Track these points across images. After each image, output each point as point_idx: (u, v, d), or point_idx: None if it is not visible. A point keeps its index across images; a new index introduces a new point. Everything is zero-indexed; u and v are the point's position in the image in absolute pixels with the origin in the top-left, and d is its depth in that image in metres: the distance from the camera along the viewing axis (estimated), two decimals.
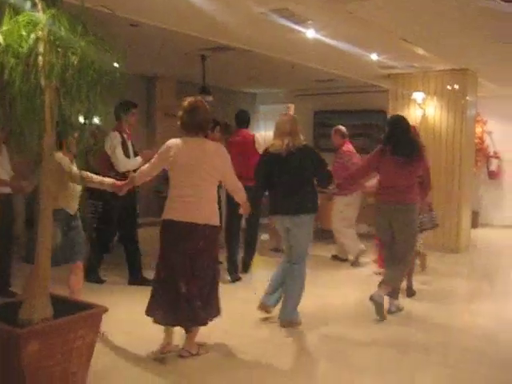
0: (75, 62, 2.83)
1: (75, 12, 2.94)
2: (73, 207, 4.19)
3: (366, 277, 6.40)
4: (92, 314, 3.28)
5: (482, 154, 10.84)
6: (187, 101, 3.99)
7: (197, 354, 3.96)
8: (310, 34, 5.84)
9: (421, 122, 8.51)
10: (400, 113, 8.68)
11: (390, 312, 5.00)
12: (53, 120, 2.95)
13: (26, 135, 2.96)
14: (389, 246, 5.03)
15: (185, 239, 3.80)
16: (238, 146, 6.40)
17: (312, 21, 5.44)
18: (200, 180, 3.84)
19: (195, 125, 3.94)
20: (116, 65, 3.05)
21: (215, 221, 3.92)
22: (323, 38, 6.06)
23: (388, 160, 4.95)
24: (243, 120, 6.80)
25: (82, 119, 3.05)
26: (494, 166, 11.00)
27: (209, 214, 3.87)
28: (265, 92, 12.69)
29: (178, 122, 4.02)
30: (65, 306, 3.23)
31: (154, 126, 10.53)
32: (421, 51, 6.84)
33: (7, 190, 4.92)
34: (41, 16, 2.84)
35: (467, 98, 8.27)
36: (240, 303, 5.25)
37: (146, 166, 4.12)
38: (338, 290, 6.03)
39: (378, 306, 4.79)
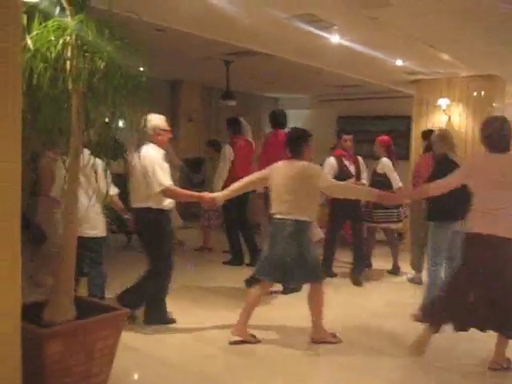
0: (102, 67, 2.87)
1: (103, 17, 2.99)
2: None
3: None
4: (114, 316, 3.31)
5: None
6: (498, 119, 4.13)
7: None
8: (335, 39, 5.83)
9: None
10: (424, 119, 8.68)
11: None
12: (79, 123, 2.99)
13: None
14: None
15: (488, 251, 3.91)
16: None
17: (337, 26, 5.44)
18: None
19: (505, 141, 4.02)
20: (141, 69, 3.09)
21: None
22: (348, 44, 6.05)
23: None
24: (278, 120, 6.55)
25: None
26: None
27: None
28: (288, 97, 12.69)
29: (483, 140, 4.07)
30: (88, 308, 3.26)
31: (177, 131, 10.57)
32: (446, 57, 6.77)
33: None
34: (69, 21, 2.89)
35: (494, 104, 8.15)
36: None
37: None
38: None
39: None
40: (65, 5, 2.94)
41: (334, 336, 4.49)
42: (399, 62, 7.09)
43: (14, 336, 2.55)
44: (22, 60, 2.70)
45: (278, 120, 6.49)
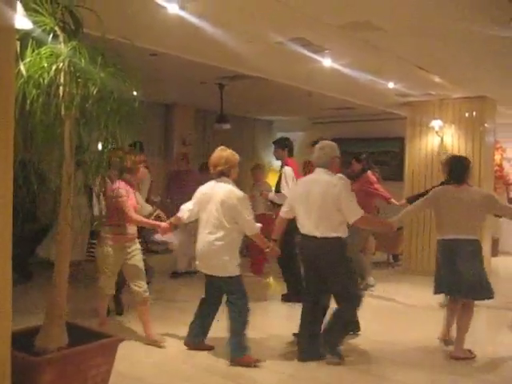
0: (95, 93, 2.89)
1: (96, 43, 3.01)
2: None
3: None
4: (107, 344, 3.27)
5: (502, 181, 10.72)
6: None
7: None
8: (327, 62, 5.89)
9: (439, 150, 8.50)
10: (417, 140, 8.74)
11: None
12: (72, 149, 2.99)
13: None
14: None
15: None
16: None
17: (329, 50, 5.50)
18: None
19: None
20: (135, 93, 3.10)
21: None
22: (340, 67, 6.10)
23: None
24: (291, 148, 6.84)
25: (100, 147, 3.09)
26: None
27: None
28: (282, 119, 12.76)
29: None
30: (80, 334, 3.22)
31: (171, 155, 10.58)
32: (437, 79, 6.84)
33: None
34: (62, 48, 2.91)
35: (485, 125, 8.22)
36: None
37: None
38: None
39: None
40: (58, 32, 2.96)
41: (471, 352, 4.69)
42: (391, 85, 7.16)
43: (4, 365, 2.50)
44: (15, 86, 2.71)
45: (292, 147, 6.79)
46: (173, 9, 4.25)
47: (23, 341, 3.03)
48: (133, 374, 4.04)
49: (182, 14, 4.36)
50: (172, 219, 4.75)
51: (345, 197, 4.27)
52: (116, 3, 4.11)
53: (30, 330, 3.19)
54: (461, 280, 4.51)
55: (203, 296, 4.67)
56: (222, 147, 4.58)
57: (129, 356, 4.21)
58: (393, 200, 7.20)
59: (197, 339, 4.63)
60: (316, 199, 4.33)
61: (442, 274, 4.69)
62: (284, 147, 6.70)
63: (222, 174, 4.44)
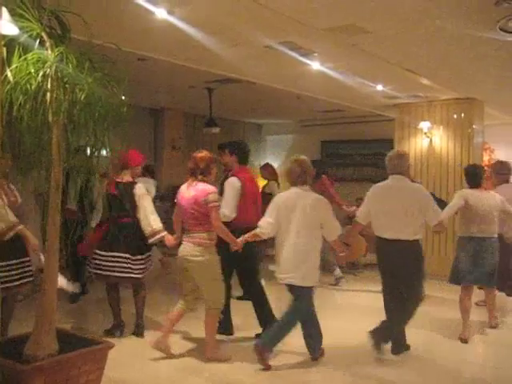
0: (82, 98, 2.87)
1: (83, 48, 3.00)
2: None
3: None
4: (97, 350, 3.25)
5: (490, 182, 10.76)
6: None
7: None
8: (315, 66, 5.91)
9: (427, 151, 8.55)
10: (406, 142, 8.78)
11: None
12: (60, 155, 2.98)
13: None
14: None
15: None
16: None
17: (317, 53, 5.51)
18: None
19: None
20: (123, 98, 3.09)
21: None
22: (328, 70, 6.13)
23: None
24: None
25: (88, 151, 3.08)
26: None
27: None
28: (271, 122, 12.79)
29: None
30: (70, 341, 3.20)
31: (161, 159, 10.57)
32: (425, 81, 6.88)
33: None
34: (49, 54, 2.90)
35: (474, 126, 8.28)
36: None
37: None
38: None
39: None
40: (44, 38, 2.95)
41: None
42: (380, 87, 7.19)
43: None
44: (2, 92, 2.70)
45: (245, 153, 5.44)
46: (161, 14, 4.25)
47: (13, 348, 3.02)
48: (124, 380, 4.02)
49: (170, 18, 4.36)
50: (247, 236, 4.51)
51: (429, 201, 4.66)
52: (103, 8, 4.10)
53: (19, 338, 3.16)
54: (487, 270, 5.17)
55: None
56: (295, 158, 4.57)
57: (120, 361, 4.20)
58: (344, 207, 7.33)
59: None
60: (402, 204, 4.59)
61: (462, 267, 5.17)
62: (232, 152, 5.33)
63: (303, 183, 4.47)
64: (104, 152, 3.15)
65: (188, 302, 4.54)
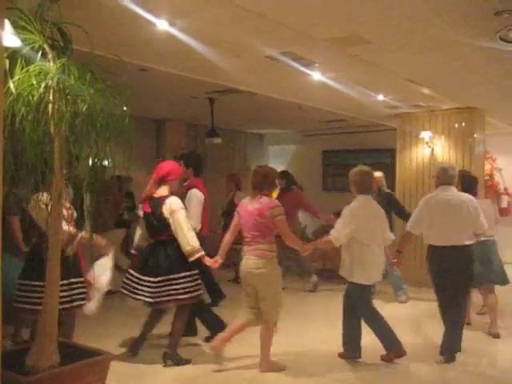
0: (84, 109, 2.89)
1: (85, 60, 3.02)
2: None
3: None
4: (99, 361, 3.23)
5: (493, 191, 10.78)
6: None
7: None
8: (316, 76, 5.93)
9: (429, 161, 8.56)
10: (408, 151, 8.80)
11: None
12: (62, 166, 2.98)
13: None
14: None
15: None
16: None
17: (318, 64, 5.53)
18: None
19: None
20: (125, 108, 3.10)
21: None
22: (329, 80, 6.14)
23: None
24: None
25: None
26: (504, 203, 10.92)
27: None
28: (273, 132, 12.80)
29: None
30: (72, 353, 3.19)
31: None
32: (426, 91, 6.90)
33: None
34: (51, 65, 2.92)
35: (475, 135, 8.29)
36: None
37: None
38: None
39: None
40: (47, 49, 2.96)
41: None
42: (381, 97, 7.21)
43: None
44: (5, 104, 2.71)
45: (200, 166, 5.69)
46: (162, 25, 4.27)
47: (15, 360, 3.01)
48: None
49: (172, 30, 4.38)
50: (323, 240, 4.84)
51: (479, 211, 4.99)
52: (105, 19, 4.13)
53: (21, 349, 3.15)
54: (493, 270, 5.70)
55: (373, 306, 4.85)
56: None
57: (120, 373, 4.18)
58: (319, 215, 7.89)
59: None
60: (458, 213, 4.92)
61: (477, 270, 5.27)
62: (188, 165, 5.52)
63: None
64: (106, 162, 3.16)
65: (256, 315, 4.54)
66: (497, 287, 5.81)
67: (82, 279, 4.11)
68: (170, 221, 4.50)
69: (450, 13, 4.06)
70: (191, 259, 4.51)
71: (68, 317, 4.07)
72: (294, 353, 5.06)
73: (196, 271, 4.63)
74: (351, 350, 4.85)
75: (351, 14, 4.13)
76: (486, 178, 9.74)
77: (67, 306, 3.91)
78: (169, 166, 4.82)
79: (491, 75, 5.99)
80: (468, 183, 5.53)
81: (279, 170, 6.85)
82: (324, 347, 5.18)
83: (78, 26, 2.96)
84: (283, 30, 4.43)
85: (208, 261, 4.60)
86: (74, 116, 2.90)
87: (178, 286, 4.49)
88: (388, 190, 7.40)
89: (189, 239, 4.48)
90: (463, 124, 8.28)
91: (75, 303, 4.03)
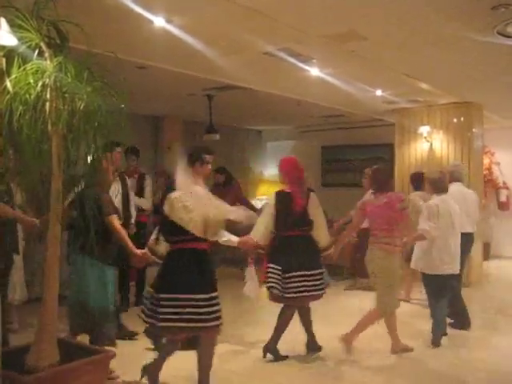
0: (81, 107, 2.88)
1: (82, 58, 3.01)
2: None
3: None
4: (98, 360, 3.24)
5: (492, 185, 10.78)
6: None
7: None
8: (314, 72, 5.92)
9: (428, 155, 8.56)
10: (407, 146, 8.80)
11: None
12: (60, 164, 2.98)
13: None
14: None
15: None
16: None
17: (315, 59, 5.52)
18: None
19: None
20: (122, 106, 3.10)
21: None
22: (327, 76, 6.14)
23: None
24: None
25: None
26: (503, 197, 10.92)
27: None
28: (271, 129, 12.79)
29: None
30: (71, 350, 3.20)
31: (161, 166, 10.55)
32: (424, 86, 6.89)
33: None
34: (48, 64, 2.91)
35: (473, 130, 8.28)
36: None
37: None
38: None
39: None
40: (43, 48, 2.96)
41: None
42: (379, 92, 7.20)
43: None
44: (2, 102, 2.70)
45: None
46: (159, 22, 4.26)
47: (14, 359, 3.01)
48: None
49: (169, 27, 4.37)
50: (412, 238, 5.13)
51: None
52: (102, 17, 4.12)
53: (21, 348, 3.15)
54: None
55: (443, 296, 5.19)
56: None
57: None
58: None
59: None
60: (471, 204, 6.05)
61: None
62: (138, 156, 6.80)
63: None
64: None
65: (383, 304, 4.82)
66: (498, 288, 5.97)
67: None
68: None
69: (447, 7, 4.06)
70: None
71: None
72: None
73: None
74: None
75: (348, 10, 4.12)
76: (484, 173, 9.75)
77: None
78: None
79: (489, 70, 5.98)
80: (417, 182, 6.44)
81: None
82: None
83: (75, 24, 2.95)
84: (280, 27, 4.42)
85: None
86: (71, 114, 2.90)
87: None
88: None
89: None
90: (461, 118, 8.28)
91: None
